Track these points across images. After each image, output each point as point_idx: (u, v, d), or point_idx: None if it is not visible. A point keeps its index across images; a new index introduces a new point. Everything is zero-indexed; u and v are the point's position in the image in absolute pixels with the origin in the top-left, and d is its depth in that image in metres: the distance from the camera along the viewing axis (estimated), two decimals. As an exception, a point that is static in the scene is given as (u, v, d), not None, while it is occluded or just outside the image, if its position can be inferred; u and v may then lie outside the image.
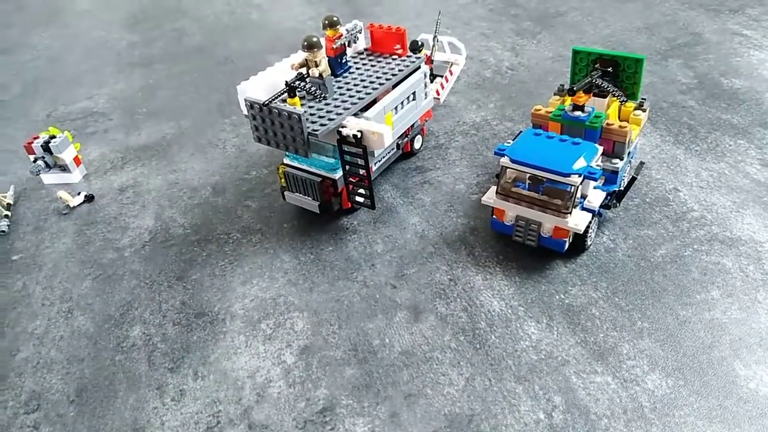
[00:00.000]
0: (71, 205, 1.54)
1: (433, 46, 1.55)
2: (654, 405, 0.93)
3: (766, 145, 1.45)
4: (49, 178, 1.65)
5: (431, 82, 1.53)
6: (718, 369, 0.98)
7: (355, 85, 1.35)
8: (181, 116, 1.93)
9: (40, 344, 1.18)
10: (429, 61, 1.53)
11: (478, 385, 1.00)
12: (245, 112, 1.25)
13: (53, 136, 1.63)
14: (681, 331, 1.04)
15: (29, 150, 1.62)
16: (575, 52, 1.31)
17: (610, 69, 1.27)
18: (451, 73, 1.60)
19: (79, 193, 1.56)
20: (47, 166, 1.63)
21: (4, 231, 1.48)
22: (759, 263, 1.15)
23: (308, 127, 1.19)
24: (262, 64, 1.35)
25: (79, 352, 1.15)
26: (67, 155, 1.63)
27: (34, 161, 1.62)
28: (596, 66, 1.28)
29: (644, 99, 1.29)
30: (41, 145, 1.61)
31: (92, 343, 1.17)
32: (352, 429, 0.96)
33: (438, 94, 1.56)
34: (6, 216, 1.52)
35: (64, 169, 1.65)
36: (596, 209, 1.17)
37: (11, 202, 1.57)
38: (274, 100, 1.19)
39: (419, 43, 1.47)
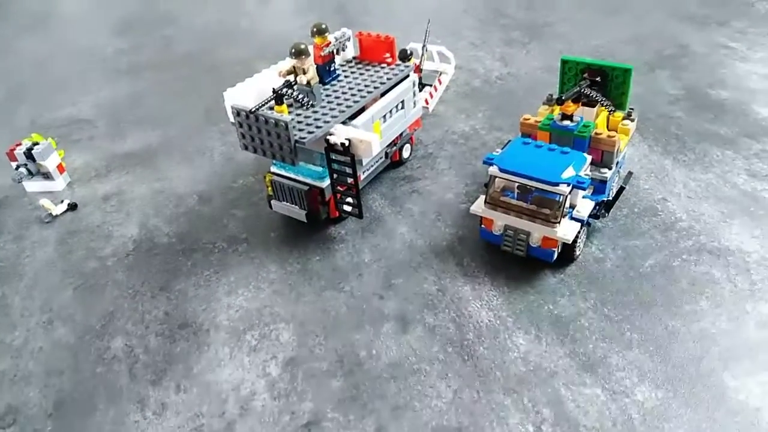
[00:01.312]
0: (54, 214, 1.51)
1: (423, 55, 1.54)
2: (644, 417, 0.92)
3: (753, 155, 1.46)
4: (31, 185, 1.62)
5: (420, 91, 1.52)
6: (708, 380, 0.97)
7: (343, 93, 1.34)
8: (167, 124, 1.91)
9: (18, 356, 1.15)
10: (418, 70, 1.52)
11: (466, 398, 0.98)
12: (232, 119, 1.23)
13: (36, 143, 1.60)
14: (670, 342, 1.04)
15: (11, 157, 1.60)
16: (564, 62, 1.31)
17: (598, 79, 1.27)
18: (440, 83, 1.59)
19: (62, 201, 1.54)
20: (30, 173, 1.60)
21: (-17, 239, 1.45)
22: (747, 273, 1.14)
23: (295, 135, 1.18)
24: (250, 71, 1.34)
25: (59, 365, 1.12)
26: (51, 162, 1.60)
27: (17, 168, 1.60)
28: (585, 76, 1.28)
29: (632, 109, 1.29)
30: (24, 152, 1.58)
31: (72, 354, 1.14)
32: (338, 443, 0.94)
33: (427, 103, 1.56)
34: (-14, 224, 1.49)
35: (47, 176, 1.62)
36: (585, 219, 1.16)
37: (-8, 210, 1.54)
38: (261, 107, 1.18)
39: (408, 52, 1.47)
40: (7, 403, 1.06)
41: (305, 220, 1.33)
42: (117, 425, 1.00)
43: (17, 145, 1.61)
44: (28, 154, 1.58)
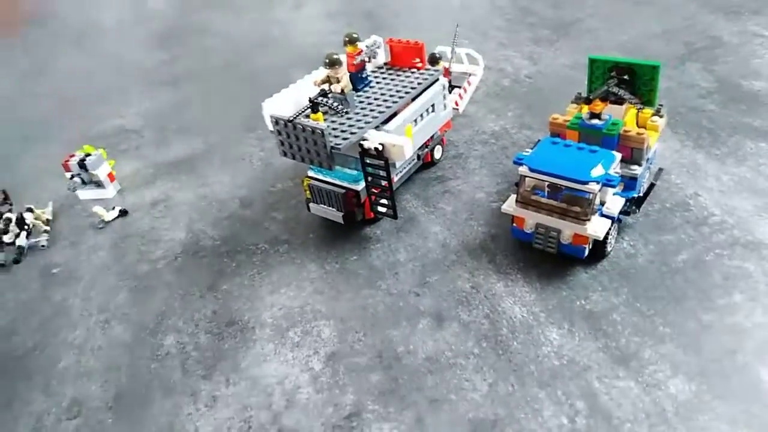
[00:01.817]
0: (106, 220, 1.60)
1: (451, 57, 1.58)
2: (677, 409, 0.95)
3: (788, 147, 1.45)
4: (84, 194, 1.72)
5: (450, 93, 1.56)
6: (742, 374, 0.98)
7: (375, 99, 1.39)
8: (208, 132, 1.99)
9: (80, 353, 1.24)
10: (447, 72, 1.56)
11: (501, 391, 1.02)
12: (270, 128, 1.30)
13: (88, 154, 1.70)
14: (703, 335, 1.05)
15: (66, 167, 1.70)
16: (591, 61, 1.33)
17: (626, 76, 1.28)
18: (470, 84, 1.62)
19: (113, 208, 1.63)
20: (83, 182, 1.70)
21: (44, 245, 1.55)
22: (781, 267, 1.15)
23: (331, 141, 1.24)
24: (285, 78, 1.40)
25: (116, 361, 1.21)
26: (102, 172, 1.70)
27: (71, 178, 1.70)
28: (612, 74, 1.29)
29: (661, 105, 1.30)
30: (77, 163, 1.68)
31: (128, 351, 1.22)
32: (379, 433, 0.99)
33: (457, 105, 1.59)
34: (45, 231, 1.59)
35: (98, 185, 1.72)
36: (615, 216, 1.18)
37: (50, 218, 1.65)
38: (298, 115, 1.24)
39: (437, 56, 1.51)
40: (72, 397, 1.14)
41: (342, 222, 1.39)
42: (172, 417, 1.08)
43: (71, 156, 1.71)
44: (81, 164, 1.68)
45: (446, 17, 2.51)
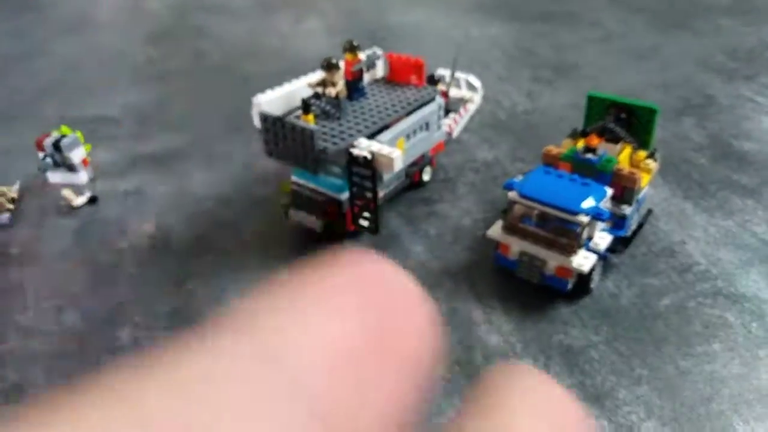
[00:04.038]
0: (74, 205, 1.53)
1: (450, 81, 1.57)
2: (650, 455, 0.90)
3: (775, 206, 1.45)
4: (55, 176, 1.65)
5: (445, 116, 1.54)
6: (716, 422, 0.95)
7: (369, 109, 1.37)
8: (192, 129, 1.94)
9: (27, 337, 1.15)
10: (445, 95, 1.54)
11: (469, 419, 0.96)
12: (257, 124, 1.26)
13: (64, 135, 1.63)
14: (680, 381, 1.02)
15: (39, 146, 1.62)
16: (590, 98, 1.33)
17: (623, 115, 1.28)
18: (466, 110, 1.61)
19: (83, 194, 1.56)
20: (55, 164, 1.63)
21: (5, 223, 1.47)
22: (762, 320, 1.13)
23: (320, 145, 1.20)
24: (277, 86, 1.36)
25: (66, 349, 1.13)
26: (76, 155, 1.63)
27: (43, 158, 1.62)
28: (610, 111, 1.29)
29: (655, 149, 1.30)
30: (52, 143, 1.61)
31: (80, 340, 1.14)
32: (336, 452, 0.92)
33: (451, 129, 1.57)
34: (9, 210, 1.52)
35: (71, 168, 1.64)
36: (602, 252, 1.16)
37: (15, 197, 1.57)
38: (288, 115, 1.20)
39: (436, 77, 1.49)
40: (14, 381, 1.06)
41: (320, 231, 1.34)
42: (116, 414, 1.00)
43: (46, 135, 1.64)
44: (56, 145, 1.61)
45: (449, 46, 2.51)
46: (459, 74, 1.58)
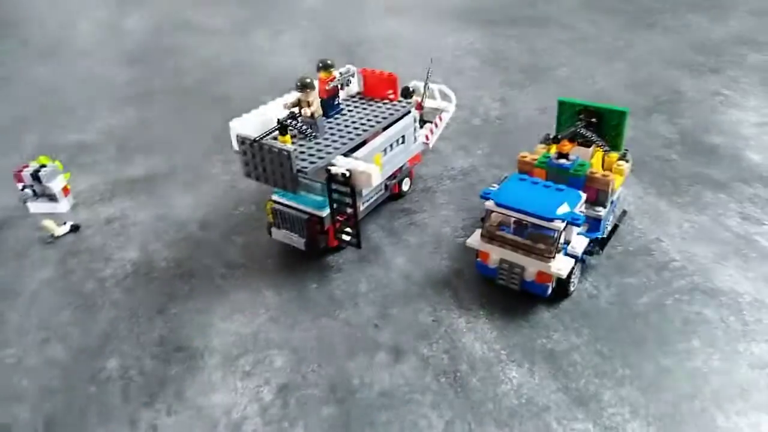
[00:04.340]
0: (56, 235, 1.53)
1: (424, 93, 1.58)
2: (635, 454, 0.92)
3: (746, 199, 1.48)
4: (36, 206, 1.65)
5: (421, 127, 1.56)
6: (699, 419, 0.97)
7: (345, 126, 1.38)
8: (172, 152, 1.95)
9: (12, 373, 1.15)
10: (419, 107, 1.56)
11: (457, 429, 0.98)
12: (236, 147, 1.27)
13: (44, 165, 1.63)
14: (662, 379, 1.04)
15: (18, 178, 1.62)
16: (561, 103, 1.35)
17: (594, 120, 1.30)
18: (441, 120, 1.62)
19: (64, 223, 1.56)
20: (35, 194, 1.63)
21: (-15, 258, 1.47)
22: (740, 314, 1.15)
23: (298, 165, 1.21)
24: (256, 104, 1.38)
25: (52, 383, 1.12)
26: (56, 185, 1.63)
27: (23, 189, 1.62)
28: (581, 117, 1.31)
29: (627, 150, 1.32)
30: (31, 174, 1.61)
31: (66, 373, 1.14)
32: (328, 470, 0.93)
33: (427, 140, 1.59)
34: (-12, 243, 1.51)
35: (51, 198, 1.64)
36: (579, 255, 1.18)
37: (-5, 230, 1.56)
38: (265, 136, 1.21)
39: (410, 90, 1.51)
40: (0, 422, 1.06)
41: (304, 248, 1.35)
42: (106, 446, 1.00)
43: (24, 167, 1.64)
44: (35, 175, 1.61)
45: (423, 55, 2.54)
46: (432, 85, 1.60)
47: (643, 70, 2.29)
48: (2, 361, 1.18)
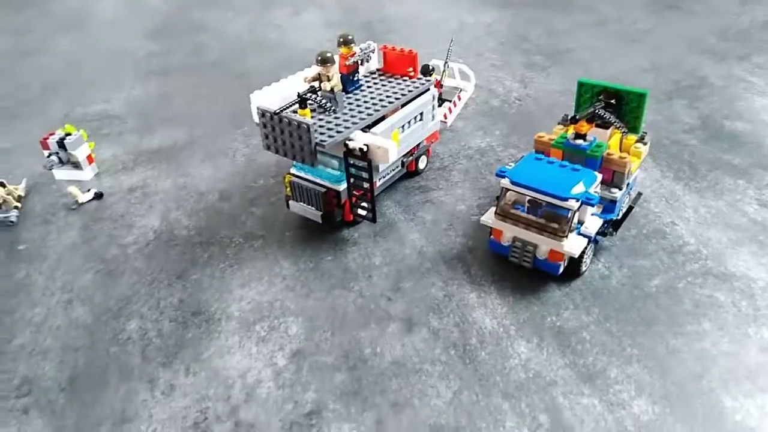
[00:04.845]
0: (80, 201, 1.57)
1: (444, 71, 1.59)
2: (638, 430, 0.94)
3: (766, 186, 1.48)
4: (61, 173, 1.69)
5: (439, 106, 1.57)
6: (706, 399, 0.98)
7: (365, 101, 1.39)
8: (194, 124, 1.98)
9: (37, 332, 1.20)
10: (438, 85, 1.57)
11: (465, 399, 1.00)
12: (256, 119, 1.29)
13: (69, 134, 1.67)
14: (670, 359, 1.05)
15: (44, 145, 1.66)
16: (580, 84, 1.35)
17: (613, 101, 1.30)
18: (459, 99, 1.63)
19: (89, 190, 1.60)
20: (60, 161, 1.67)
21: (12, 221, 1.51)
22: (752, 299, 1.16)
23: (316, 138, 1.23)
24: (276, 80, 1.39)
25: (75, 342, 1.17)
26: (81, 153, 1.67)
27: (48, 156, 1.66)
28: (600, 98, 1.31)
29: (645, 133, 1.32)
30: (57, 141, 1.65)
31: (89, 333, 1.19)
32: (338, 433, 0.97)
33: (445, 118, 1.60)
34: (16, 207, 1.55)
35: (76, 166, 1.68)
36: (592, 235, 1.19)
37: (22, 194, 1.61)
38: (285, 109, 1.23)
39: (430, 68, 1.52)
40: (24, 375, 1.10)
41: (320, 221, 1.37)
42: (126, 402, 1.04)
43: (51, 134, 1.68)
44: (61, 143, 1.65)
45: (443, 36, 2.53)
46: (452, 64, 1.61)
47: (666, 54, 2.26)
48: (29, 321, 1.22)
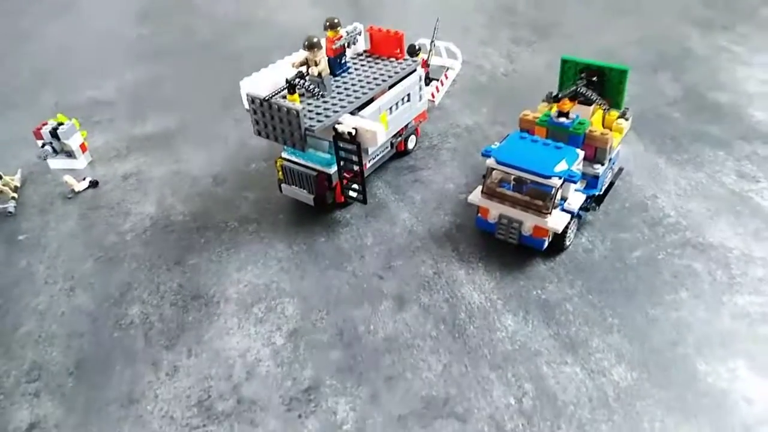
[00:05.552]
0: (76, 190, 1.60)
1: (430, 50, 1.61)
2: (618, 395, 1.00)
3: (744, 157, 1.52)
4: (55, 163, 1.72)
5: (427, 85, 1.59)
6: (681, 365, 1.04)
7: (352, 84, 1.42)
8: (186, 109, 1.99)
9: (42, 319, 1.24)
10: (425, 65, 1.59)
11: (454, 371, 1.06)
12: (247, 106, 1.31)
13: (61, 123, 1.69)
14: (649, 328, 1.11)
15: (38, 135, 1.69)
16: (564, 62, 1.38)
17: (595, 78, 1.33)
18: (447, 77, 1.66)
19: (84, 179, 1.63)
20: (54, 151, 1.70)
21: (11, 212, 1.54)
22: (727, 268, 1.21)
23: (305, 123, 1.26)
24: (266, 61, 1.41)
25: (79, 328, 1.21)
26: (74, 142, 1.69)
27: (42, 146, 1.69)
28: (582, 75, 1.34)
29: (627, 109, 1.35)
30: (50, 131, 1.67)
31: (92, 319, 1.23)
32: (334, 407, 1.02)
33: (433, 97, 1.63)
34: (13, 198, 1.58)
35: (70, 155, 1.71)
36: (576, 211, 1.23)
37: (18, 185, 1.64)
38: (274, 95, 1.25)
39: (416, 48, 1.54)
40: (33, 361, 1.15)
41: (313, 204, 1.41)
42: (132, 384, 1.09)
43: (43, 124, 1.70)
44: (54, 133, 1.67)
45: (430, 11, 2.53)
46: (439, 42, 1.62)
47: (652, 25, 2.28)
48: (34, 309, 1.27)
